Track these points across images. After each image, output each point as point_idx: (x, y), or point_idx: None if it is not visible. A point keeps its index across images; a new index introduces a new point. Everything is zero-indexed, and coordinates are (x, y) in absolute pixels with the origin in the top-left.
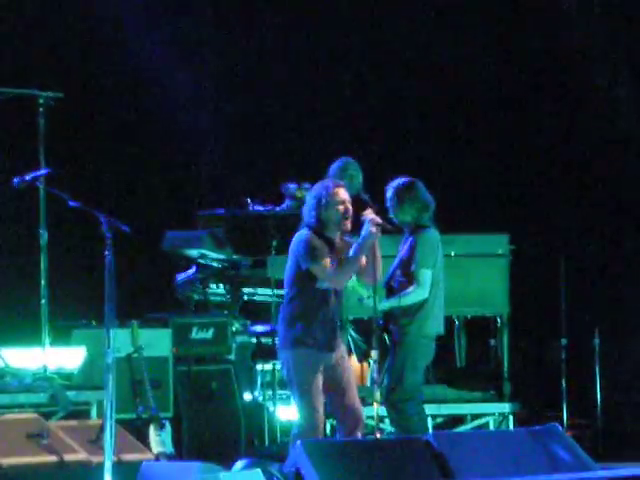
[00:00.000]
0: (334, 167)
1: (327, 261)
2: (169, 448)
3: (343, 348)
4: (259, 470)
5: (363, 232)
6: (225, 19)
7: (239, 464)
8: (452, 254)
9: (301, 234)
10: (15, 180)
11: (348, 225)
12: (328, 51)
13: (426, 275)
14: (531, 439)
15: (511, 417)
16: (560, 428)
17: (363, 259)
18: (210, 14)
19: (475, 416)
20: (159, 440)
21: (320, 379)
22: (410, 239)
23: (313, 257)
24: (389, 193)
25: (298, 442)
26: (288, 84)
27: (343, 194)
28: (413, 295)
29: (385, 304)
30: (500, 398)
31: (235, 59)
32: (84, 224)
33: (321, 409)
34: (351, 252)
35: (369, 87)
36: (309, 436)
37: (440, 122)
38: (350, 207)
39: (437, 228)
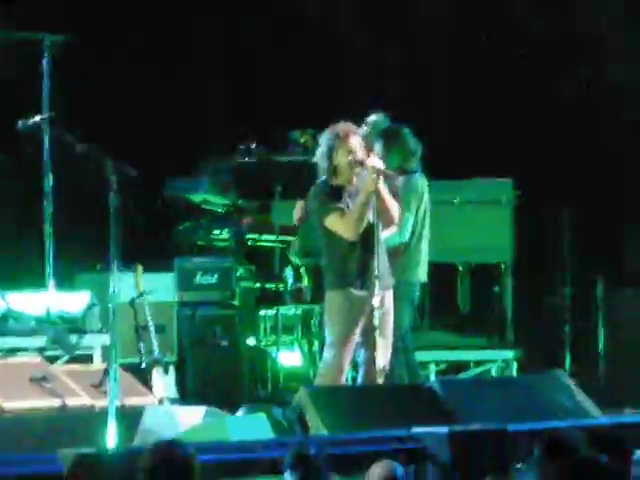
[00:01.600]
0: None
1: (337, 213)
2: (173, 392)
3: (377, 292)
4: (264, 414)
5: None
6: None
7: (243, 408)
8: (456, 201)
9: (314, 188)
10: (19, 123)
11: (357, 171)
12: None
13: (406, 220)
14: (534, 385)
15: (514, 364)
16: (563, 374)
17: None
18: None
19: (478, 363)
20: (163, 384)
21: (357, 324)
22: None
23: (323, 211)
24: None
25: (302, 387)
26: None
27: (353, 140)
28: (391, 237)
29: None
30: (503, 345)
31: None
32: (89, 169)
33: (347, 356)
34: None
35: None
36: (331, 382)
37: (443, 62)
38: (360, 154)
39: (424, 173)
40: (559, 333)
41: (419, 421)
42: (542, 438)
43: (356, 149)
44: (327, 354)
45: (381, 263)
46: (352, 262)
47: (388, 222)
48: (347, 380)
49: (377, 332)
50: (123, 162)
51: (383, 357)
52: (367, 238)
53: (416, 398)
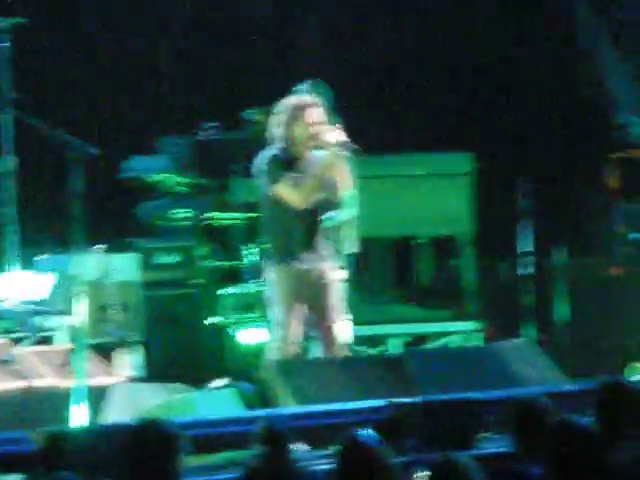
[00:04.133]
0: (301, 88)
1: (286, 182)
2: (139, 371)
3: (325, 265)
4: (234, 389)
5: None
6: None
7: (211, 384)
8: (415, 174)
9: (261, 155)
10: None
11: (315, 144)
12: None
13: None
14: (500, 354)
15: (478, 335)
16: (530, 342)
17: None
18: None
19: (440, 334)
20: (129, 363)
21: (297, 295)
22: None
23: (271, 179)
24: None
25: (270, 361)
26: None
27: (314, 113)
28: (347, 211)
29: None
30: (465, 317)
31: None
32: (50, 150)
33: (294, 327)
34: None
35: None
36: (281, 354)
37: (403, 36)
38: (321, 127)
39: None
40: (521, 303)
41: (387, 392)
42: (514, 405)
43: (317, 121)
44: (274, 330)
45: (325, 237)
46: (296, 235)
47: (337, 196)
48: (301, 353)
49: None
50: (84, 141)
51: (344, 331)
52: (314, 210)
53: (384, 369)
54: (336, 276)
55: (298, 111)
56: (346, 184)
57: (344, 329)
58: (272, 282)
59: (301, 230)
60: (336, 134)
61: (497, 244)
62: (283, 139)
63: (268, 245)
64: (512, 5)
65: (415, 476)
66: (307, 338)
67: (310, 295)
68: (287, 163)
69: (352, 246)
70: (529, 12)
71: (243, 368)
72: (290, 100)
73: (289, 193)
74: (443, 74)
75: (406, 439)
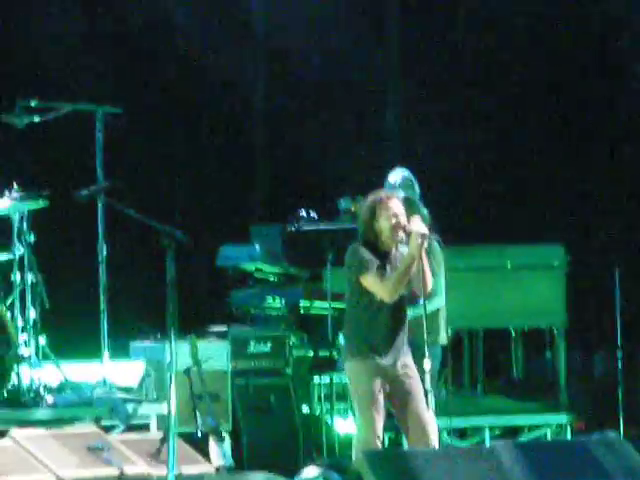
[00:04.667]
0: (389, 179)
1: (376, 273)
2: (229, 461)
3: (407, 359)
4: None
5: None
6: None
7: (302, 473)
8: (508, 265)
9: (352, 246)
10: (77, 194)
11: (401, 236)
12: None
13: (442, 282)
14: (590, 448)
15: (568, 428)
16: (619, 436)
17: (414, 269)
18: None
19: (532, 427)
20: (219, 453)
21: (379, 389)
22: None
23: (362, 269)
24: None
25: (360, 453)
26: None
27: (395, 205)
28: (434, 302)
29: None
30: (557, 409)
31: None
32: (143, 238)
33: (378, 420)
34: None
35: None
36: (366, 447)
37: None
38: (403, 219)
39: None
40: (612, 396)
41: None
42: None
43: (398, 213)
44: (357, 423)
45: (405, 330)
46: (381, 329)
47: (423, 288)
48: (384, 445)
49: (430, 394)
50: (177, 230)
51: (431, 422)
52: (400, 304)
53: (476, 460)
54: (423, 367)
55: (379, 204)
56: (432, 274)
57: (431, 420)
58: (354, 375)
59: (386, 324)
60: (417, 225)
61: (592, 337)
62: (368, 233)
63: (350, 338)
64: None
65: None
66: (395, 430)
67: (394, 389)
68: (376, 256)
69: (442, 338)
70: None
71: (338, 458)
72: (372, 195)
73: (377, 286)
74: (537, 169)
75: None
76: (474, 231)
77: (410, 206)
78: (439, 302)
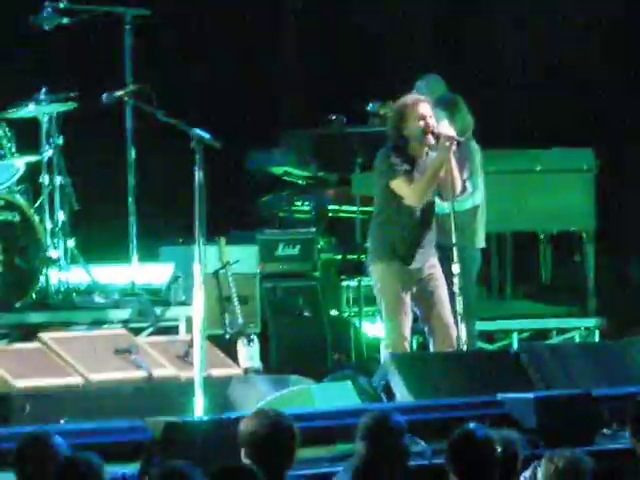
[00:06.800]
0: (418, 83)
1: (405, 177)
2: (257, 363)
3: (434, 262)
4: (349, 382)
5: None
6: None
7: (329, 377)
8: (537, 169)
9: (382, 151)
10: (104, 96)
11: (431, 140)
12: None
13: (479, 182)
14: (620, 351)
15: (597, 332)
16: None
17: (442, 173)
18: None
19: (560, 330)
20: (247, 355)
21: (405, 292)
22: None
23: (391, 173)
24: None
25: (387, 355)
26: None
27: (424, 108)
28: (463, 200)
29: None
30: (586, 313)
31: None
32: (171, 141)
33: (405, 323)
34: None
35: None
36: (394, 350)
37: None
38: (432, 122)
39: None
40: None
41: (504, 387)
42: (632, 403)
43: (426, 116)
44: (385, 326)
45: (433, 232)
46: (408, 233)
47: (452, 191)
48: (412, 347)
49: (458, 299)
50: (206, 132)
51: (454, 325)
52: (428, 209)
53: (501, 364)
54: (438, 271)
55: (408, 109)
56: (457, 179)
57: (455, 323)
58: (380, 279)
59: (414, 228)
60: (446, 128)
61: (619, 241)
62: (398, 137)
63: (377, 241)
64: None
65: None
66: (423, 333)
67: (420, 291)
68: (405, 161)
69: (480, 240)
70: None
71: (365, 360)
72: (401, 99)
73: (405, 190)
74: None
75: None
76: (506, 134)
77: (456, 105)
78: (475, 200)
